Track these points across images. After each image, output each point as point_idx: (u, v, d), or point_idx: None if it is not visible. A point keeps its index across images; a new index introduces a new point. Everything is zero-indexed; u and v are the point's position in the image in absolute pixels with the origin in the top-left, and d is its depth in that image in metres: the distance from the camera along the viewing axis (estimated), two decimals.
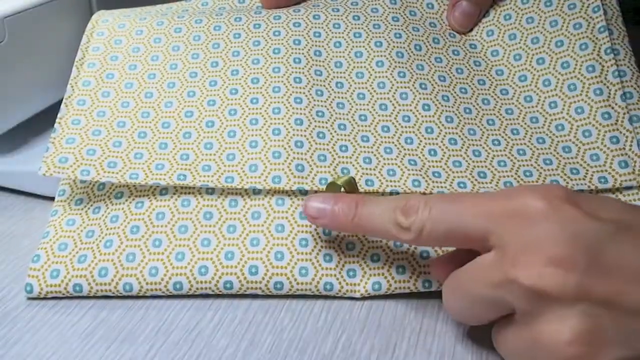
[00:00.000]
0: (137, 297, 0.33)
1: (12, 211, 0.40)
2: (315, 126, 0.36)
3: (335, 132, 0.36)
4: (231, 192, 0.34)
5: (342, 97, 0.37)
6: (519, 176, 0.34)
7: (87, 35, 0.40)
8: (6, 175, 0.41)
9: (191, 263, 0.32)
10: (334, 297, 0.33)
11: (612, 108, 0.36)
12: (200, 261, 0.32)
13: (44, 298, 0.33)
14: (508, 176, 0.34)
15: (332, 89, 0.37)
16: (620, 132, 0.35)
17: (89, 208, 0.35)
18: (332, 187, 0.32)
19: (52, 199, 0.40)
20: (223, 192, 0.34)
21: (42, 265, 0.33)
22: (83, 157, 0.34)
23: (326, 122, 0.36)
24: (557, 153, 0.36)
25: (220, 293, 0.32)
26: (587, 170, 0.35)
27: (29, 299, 0.33)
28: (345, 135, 0.36)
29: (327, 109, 0.36)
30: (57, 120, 0.36)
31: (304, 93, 0.37)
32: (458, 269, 0.28)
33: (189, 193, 0.34)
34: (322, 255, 0.33)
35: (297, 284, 0.32)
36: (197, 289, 0.32)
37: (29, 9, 0.40)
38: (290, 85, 0.37)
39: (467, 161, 0.35)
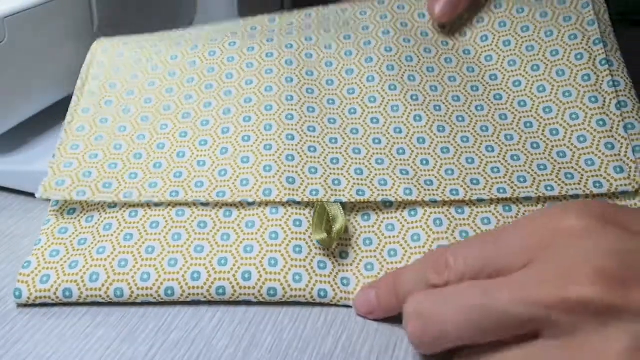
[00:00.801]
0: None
1: (12, 211, 0.40)
2: (307, 141, 0.36)
3: (326, 145, 0.36)
4: (226, 203, 0.35)
5: (334, 113, 0.38)
6: (512, 182, 0.34)
7: (87, 64, 0.41)
8: (6, 175, 0.41)
9: (183, 269, 0.32)
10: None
11: (607, 115, 0.36)
12: (193, 267, 0.32)
13: (32, 305, 0.32)
14: (502, 182, 0.34)
15: (324, 106, 0.38)
16: (615, 139, 0.35)
17: (82, 217, 0.35)
18: (320, 214, 0.33)
19: None
20: (218, 204, 0.35)
21: (33, 271, 0.33)
22: (79, 179, 0.35)
23: (317, 137, 0.36)
24: (552, 158, 0.36)
25: (213, 300, 0.32)
26: (582, 175, 0.35)
27: (19, 305, 0.32)
28: (336, 148, 0.36)
29: (319, 124, 0.37)
30: (57, 146, 0.37)
31: (295, 110, 0.37)
32: (472, 282, 0.26)
33: (184, 204, 0.35)
34: (316, 262, 0.33)
35: (291, 290, 0.32)
36: (189, 294, 0.32)
37: (29, 9, 0.40)
38: (282, 103, 0.37)
39: (459, 169, 0.35)
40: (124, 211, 0.35)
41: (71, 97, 0.40)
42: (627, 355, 0.22)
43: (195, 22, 0.63)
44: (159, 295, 0.32)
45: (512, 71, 0.39)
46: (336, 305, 0.32)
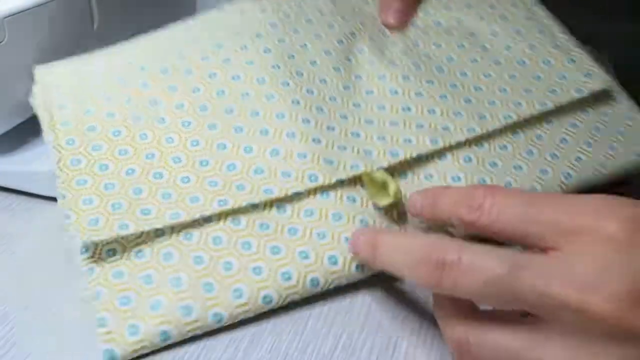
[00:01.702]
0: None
1: (12, 211, 0.40)
2: (322, 122, 0.37)
3: (340, 123, 0.37)
4: (277, 199, 0.34)
5: (331, 92, 0.39)
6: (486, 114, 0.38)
7: (40, 96, 0.38)
8: (6, 175, 0.41)
9: (271, 274, 0.31)
10: (334, 298, 0.33)
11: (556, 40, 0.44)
12: (280, 268, 0.32)
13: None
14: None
15: (319, 86, 0.39)
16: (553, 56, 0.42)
17: (129, 255, 0.32)
18: (372, 184, 0.34)
19: (52, 199, 0.40)
20: (267, 203, 0.34)
21: (115, 328, 0.29)
22: (110, 213, 0.32)
23: (329, 117, 0.37)
24: (508, 82, 0.41)
25: (307, 295, 0.32)
26: (534, 90, 0.40)
27: None
28: (350, 123, 0.37)
29: (324, 105, 0.38)
30: (61, 186, 0.34)
31: (296, 94, 0.38)
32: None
33: (236, 212, 0.33)
34: (343, 239, 0.33)
35: (330, 274, 0.32)
36: (285, 297, 0.31)
37: (29, 9, 0.40)
38: (281, 90, 0.38)
39: (464, 110, 0.39)
40: (177, 235, 0.32)
41: None
42: None
43: None
44: (256, 307, 0.31)
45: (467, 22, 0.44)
46: (341, 298, 0.32)
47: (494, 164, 0.36)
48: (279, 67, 0.38)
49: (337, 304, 0.33)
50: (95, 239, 0.31)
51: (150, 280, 0.31)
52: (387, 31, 0.42)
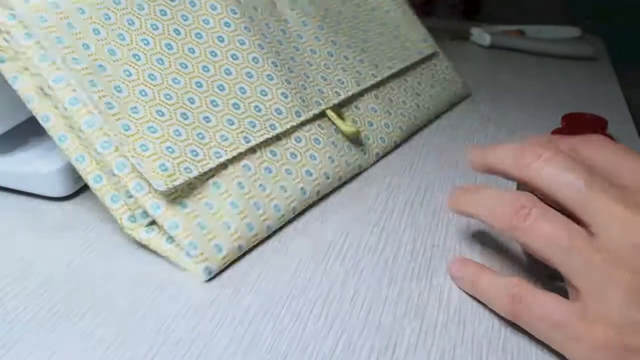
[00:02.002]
0: (138, 296, 0.33)
1: (12, 211, 0.40)
2: (285, 65, 0.43)
3: (294, 65, 0.44)
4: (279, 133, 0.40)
5: (278, 42, 0.44)
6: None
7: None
8: (6, 175, 0.41)
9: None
10: (334, 297, 0.33)
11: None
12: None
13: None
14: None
15: (269, 38, 0.44)
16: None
17: (184, 188, 0.35)
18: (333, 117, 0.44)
19: (52, 199, 0.41)
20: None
21: (204, 249, 0.34)
22: (168, 156, 0.35)
23: (285, 60, 0.43)
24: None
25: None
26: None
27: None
28: (298, 66, 0.44)
29: (280, 51, 0.44)
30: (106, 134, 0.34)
31: (260, 40, 0.42)
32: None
33: (255, 148, 0.39)
34: (327, 159, 0.42)
35: (326, 186, 0.42)
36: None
37: None
38: (247, 36, 0.42)
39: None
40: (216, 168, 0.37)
41: None
42: None
43: None
44: (289, 218, 0.39)
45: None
46: (341, 295, 0.32)
47: (390, 100, 0.49)
48: (236, 13, 0.42)
49: (337, 304, 0.33)
50: (174, 184, 0.34)
51: (212, 206, 0.35)
52: None
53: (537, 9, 1.07)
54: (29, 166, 0.40)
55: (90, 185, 0.35)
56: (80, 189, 0.42)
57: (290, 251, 0.37)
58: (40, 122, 0.36)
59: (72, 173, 0.40)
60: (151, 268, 0.35)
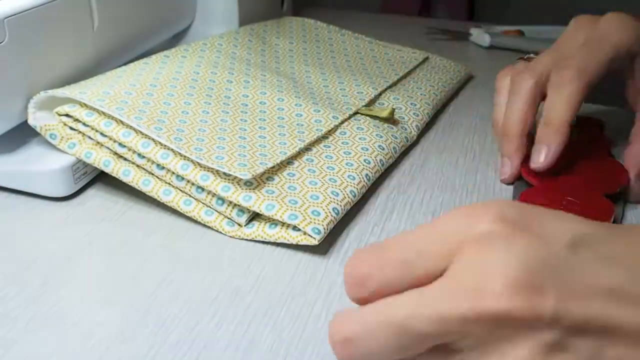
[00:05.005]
0: (137, 296, 0.33)
1: (12, 211, 0.40)
2: (302, 94, 0.50)
3: (311, 93, 0.51)
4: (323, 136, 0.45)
5: (288, 78, 0.53)
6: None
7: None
8: (6, 175, 0.41)
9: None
10: (334, 297, 0.33)
11: None
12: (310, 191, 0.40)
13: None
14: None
15: (280, 78, 0.52)
16: None
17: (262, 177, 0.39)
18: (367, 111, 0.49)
19: (52, 199, 0.41)
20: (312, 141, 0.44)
21: (305, 217, 0.37)
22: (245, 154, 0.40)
23: (302, 92, 0.51)
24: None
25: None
26: None
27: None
28: (314, 92, 0.52)
29: (299, 88, 0.52)
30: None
31: (281, 82, 0.51)
32: (381, 301, 0.25)
33: (297, 153, 0.42)
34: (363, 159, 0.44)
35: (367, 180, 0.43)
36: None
37: (29, 9, 0.40)
38: (269, 80, 0.51)
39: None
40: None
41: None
42: None
43: (195, 21, 0.63)
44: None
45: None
46: (339, 295, 0.32)
47: (406, 90, 0.56)
48: (249, 73, 0.51)
49: (338, 304, 0.33)
50: (257, 172, 0.38)
51: (295, 188, 0.39)
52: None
53: (537, 9, 1.07)
54: (29, 166, 0.40)
55: (182, 210, 0.39)
56: (81, 189, 0.42)
57: (290, 251, 0.37)
58: (122, 178, 0.40)
59: (72, 173, 0.40)
60: (151, 268, 0.35)
